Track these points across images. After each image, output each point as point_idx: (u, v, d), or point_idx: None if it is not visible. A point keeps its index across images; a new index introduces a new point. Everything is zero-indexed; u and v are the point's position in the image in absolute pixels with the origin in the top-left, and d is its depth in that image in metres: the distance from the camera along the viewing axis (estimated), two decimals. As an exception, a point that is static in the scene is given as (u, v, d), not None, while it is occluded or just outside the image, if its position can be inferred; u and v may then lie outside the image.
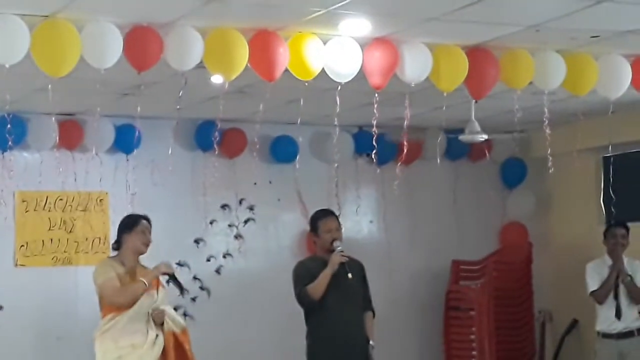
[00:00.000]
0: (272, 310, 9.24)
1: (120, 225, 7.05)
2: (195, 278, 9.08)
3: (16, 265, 8.55)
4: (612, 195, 9.00)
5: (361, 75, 6.34)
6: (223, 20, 5.89)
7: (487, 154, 9.28)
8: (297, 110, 7.12)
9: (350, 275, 7.10)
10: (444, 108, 7.07)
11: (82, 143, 8.59)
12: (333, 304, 7.11)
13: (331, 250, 7.15)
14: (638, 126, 8.57)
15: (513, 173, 10.17)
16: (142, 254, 6.96)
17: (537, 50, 6.61)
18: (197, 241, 9.12)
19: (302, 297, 7.16)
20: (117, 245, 7.00)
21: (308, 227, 9.41)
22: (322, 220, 7.29)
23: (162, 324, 6.91)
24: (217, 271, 9.19)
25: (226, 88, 6.26)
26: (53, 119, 7.84)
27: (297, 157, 9.33)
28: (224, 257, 9.25)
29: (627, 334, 8.31)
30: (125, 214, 7.23)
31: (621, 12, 5.96)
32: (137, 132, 8.39)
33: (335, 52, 6.20)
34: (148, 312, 6.88)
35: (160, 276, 7.00)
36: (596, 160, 9.74)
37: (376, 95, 6.50)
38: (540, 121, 7.08)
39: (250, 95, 7.61)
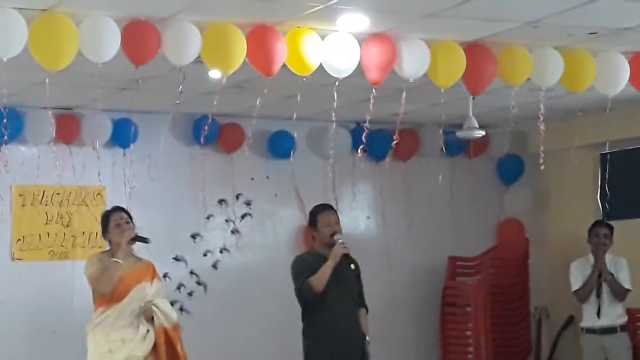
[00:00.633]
0: (269, 305, 9.24)
1: (100, 225, 7.12)
2: (192, 273, 9.09)
3: (13, 259, 8.54)
4: (609, 192, 9.01)
5: (359, 70, 6.34)
6: (221, 14, 5.89)
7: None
8: (295, 105, 7.12)
9: (353, 266, 7.13)
10: (442, 102, 7.07)
11: (80, 137, 8.58)
12: (332, 297, 7.10)
13: (331, 244, 7.14)
14: (635, 123, 8.58)
15: (510, 169, 10.17)
16: (124, 244, 6.92)
17: (535, 46, 6.61)
18: (194, 236, 9.12)
19: (303, 290, 7.13)
20: (108, 241, 7.07)
21: (305, 223, 9.45)
22: (321, 214, 7.29)
23: (152, 318, 6.91)
24: (214, 266, 9.19)
25: (224, 83, 6.26)
26: (50, 112, 7.84)
27: (295, 153, 9.33)
28: (221, 252, 9.24)
29: (609, 330, 8.41)
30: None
31: (619, 9, 5.96)
32: (134, 127, 8.39)
33: (333, 47, 6.21)
34: (139, 306, 6.88)
35: (130, 243, 6.94)
36: (593, 157, 9.74)
37: (374, 91, 6.50)
38: (538, 117, 7.08)
39: (248, 90, 7.61)
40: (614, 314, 8.44)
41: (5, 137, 7.02)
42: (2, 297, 8.44)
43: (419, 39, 6.38)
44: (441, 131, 9.04)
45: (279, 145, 9.30)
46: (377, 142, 9.15)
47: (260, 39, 6.02)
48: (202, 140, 8.37)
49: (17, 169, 8.44)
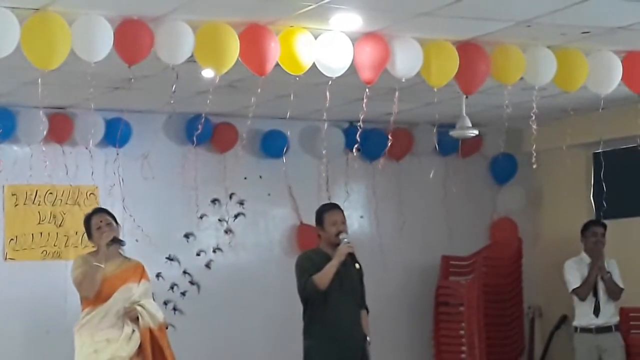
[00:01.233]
0: (262, 304, 9.24)
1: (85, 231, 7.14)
2: (185, 272, 9.08)
3: (5, 259, 8.53)
4: (602, 191, 9.01)
5: (352, 70, 6.34)
6: (214, 14, 5.88)
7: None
8: (288, 104, 7.11)
9: (357, 265, 7.13)
10: (435, 101, 7.07)
11: (72, 137, 8.57)
12: (335, 296, 7.12)
13: (336, 244, 7.16)
14: (628, 122, 8.56)
15: (503, 169, 10.17)
16: (103, 247, 6.91)
17: (528, 46, 6.62)
18: (187, 235, 9.11)
19: (307, 287, 7.14)
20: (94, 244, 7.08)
21: (298, 222, 9.47)
22: (327, 213, 7.31)
23: (137, 319, 6.90)
24: (207, 266, 9.18)
25: (217, 82, 6.25)
26: (43, 112, 7.83)
27: (288, 152, 9.33)
28: (214, 251, 9.23)
29: (605, 329, 8.42)
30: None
31: (612, 8, 5.97)
32: (127, 126, 8.37)
33: (326, 46, 6.21)
34: (124, 307, 6.88)
35: (109, 245, 6.93)
36: (587, 156, 9.75)
37: (367, 90, 6.49)
38: (531, 117, 7.08)
39: (241, 90, 7.60)
40: (609, 313, 8.47)
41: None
42: (-6, 297, 8.45)
43: (412, 38, 6.38)
44: (434, 130, 9.06)
45: (272, 145, 9.30)
46: (370, 142, 9.15)
47: (253, 38, 6.02)
48: (194, 139, 8.36)
49: (9, 169, 8.43)
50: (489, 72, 6.62)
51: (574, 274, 8.54)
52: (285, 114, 7.56)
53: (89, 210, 8.38)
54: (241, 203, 9.33)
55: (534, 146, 7.31)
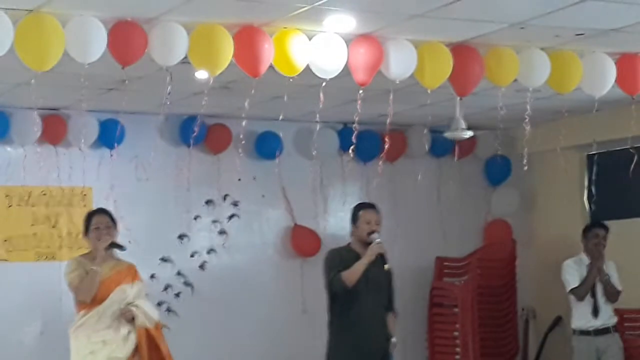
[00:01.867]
0: (256, 306, 9.24)
1: (83, 226, 7.13)
2: (179, 274, 9.07)
3: (-1, 260, 8.53)
4: (596, 193, 9.02)
5: (346, 71, 6.34)
6: (208, 15, 5.88)
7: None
8: (282, 106, 7.11)
9: (387, 266, 7.15)
10: (429, 103, 7.07)
11: (66, 138, 8.56)
12: (361, 295, 7.15)
13: (367, 243, 7.19)
14: (622, 124, 8.57)
15: (497, 170, 10.17)
16: (101, 250, 6.92)
17: (522, 47, 6.62)
18: (181, 237, 9.10)
19: (334, 282, 7.16)
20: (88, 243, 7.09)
21: (292, 223, 9.47)
22: (363, 210, 7.36)
23: (133, 319, 6.90)
24: (201, 267, 9.17)
25: (211, 84, 6.25)
26: (36, 113, 7.82)
27: (282, 154, 9.33)
28: (208, 253, 9.23)
29: (604, 331, 8.43)
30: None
31: (605, 10, 5.97)
32: (121, 127, 8.37)
33: (320, 48, 6.20)
34: (120, 308, 6.88)
35: (107, 249, 6.95)
36: (580, 158, 9.76)
37: (361, 91, 6.50)
38: (525, 118, 7.09)
39: (235, 91, 7.60)
40: (606, 314, 8.46)
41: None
42: (-12, 298, 8.43)
43: (406, 40, 6.38)
44: (428, 132, 9.07)
45: (266, 146, 9.29)
46: (364, 143, 9.15)
47: (247, 40, 6.01)
48: (191, 141, 8.36)
49: (3, 170, 8.43)
50: (482, 74, 6.62)
51: (573, 274, 8.53)
52: (278, 116, 7.56)
53: (82, 211, 8.40)
54: (235, 204, 9.33)
55: (528, 148, 7.32)
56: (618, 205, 9.43)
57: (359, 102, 6.55)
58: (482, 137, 9.75)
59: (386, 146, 7.40)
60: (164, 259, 8.97)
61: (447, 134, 8.12)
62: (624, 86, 7.03)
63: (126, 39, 5.83)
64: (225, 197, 9.28)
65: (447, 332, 9.67)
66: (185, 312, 9.00)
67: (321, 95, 6.46)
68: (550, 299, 9.90)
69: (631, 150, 7.75)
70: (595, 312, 8.42)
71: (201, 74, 6.43)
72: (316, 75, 6.31)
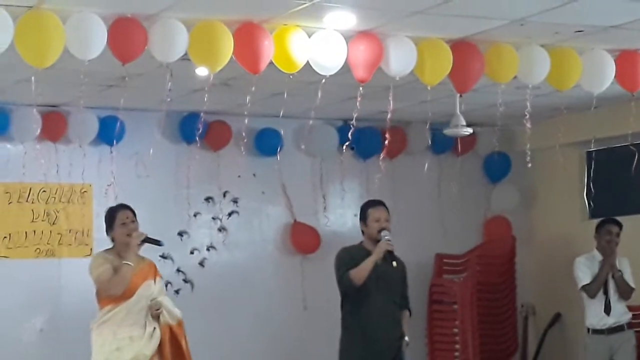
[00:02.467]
0: (256, 302, 9.24)
1: (105, 222, 7.06)
2: (178, 270, 9.07)
3: (-1, 257, 8.53)
4: (595, 189, 9.01)
5: (346, 68, 6.34)
6: (208, 12, 5.88)
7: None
8: (282, 103, 7.11)
9: (395, 263, 7.14)
10: (429, 100, 7.07)
11: (66, 135, 8.56)
12: (371, 293, 7.14)
13: (377, 240, 7.17)
14: (621, 121, 8.57)
15: (497, 167, 10.17)
16: (130, 244, 6.89)
17: (522, 44, 6.62)
18: (180, 234, 9.10)
19: (343, 281, 7.17)
20: (112, 238, 7.01)
21: (292, 220, 9.47)
22: (372, 209, 7.33)
23: (159, 316, 6.91)
24: (201, 264, 9.17)
25: (211, 80, 6.25)
26: (36, 110, 7.82)
27: (282, 150, 9.33)
28: (208, 249, 9.23)
29: (617, 329, 8.34)
30: (106, 208, 7.19)
31: (605, 7, 5.98)
32: (121, 124, 8.37)
33: (320, 45, 6.20)
34: (147, 304, 6.88)
35: (140, 245, 6.93)
36: (580, 154, 9.76)
37: (361, 88, 6.50)
38: (525, 115, 7.09)
39: (235, 88, 7.60)
40: (619, 312, 8.37)
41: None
42: (-13, 295, 8.44)
43: (406, 36, 6.38)
44: (428, 129, 9.06)
45: (266, 143, 9.29)
46: (364, 140, 9.16)
47: (247, 37, 6.02)
48: (197, 138, 8.34)
49: (3, 167, 8.43)
50: (482, 71, 6.62)
51: (585, 270, 8.47)
52: (278, 112, 7.56)
53: (82, 208, 8.41)
54: (235, 201, 9.33)
55: (528, 145, 7.32)
56: (617, 202, 9.43)
57: (359, 99, 6.55)
58: (482, 134, 9.75)
59: (387, 143, 7.40)
60: (163, 256, 8.96)
61: (447, 131, 8.13)
62: (624, 83, 7.04)
63: (126, 35, 5.84)
64: (225, 194, 9.29)
65: (446, 329, 9.68)
66: (184, 309, 8.91)
67: (319, 92, 6.47)
68: (550, 296, 9.92)
69: (631, 147, 7.75)
70: (607, 309, 8.35)
71: (201, 71, 6.43)
72: (316, 72, 6.31)
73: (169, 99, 6.99)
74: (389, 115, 6.88)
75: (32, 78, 5.90)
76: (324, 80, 6.37)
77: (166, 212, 9.04)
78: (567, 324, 9.79)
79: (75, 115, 8.46)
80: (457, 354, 9.55)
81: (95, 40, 5.74)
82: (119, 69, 6.00)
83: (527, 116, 7.02)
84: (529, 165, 7.54)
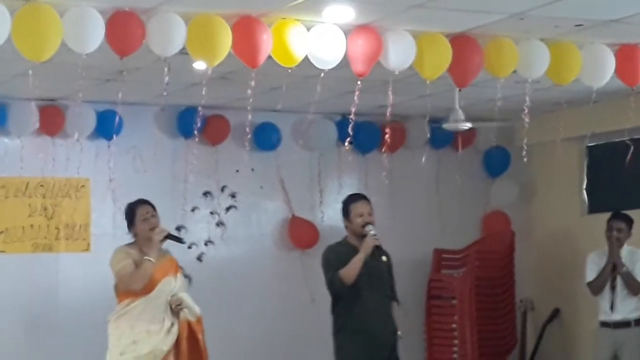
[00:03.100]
0: (254, 297, 9.23)
1: (125, 218, 7.10)
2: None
3: (-4, 251, 8.51)
4: (595, 184, 9.00)
5: (345, 62, 6.32)
6: (206, 5, 5.86)
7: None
8: (280, 97, 7.09)
9: (384, 258, 7.11)
10: (428, 94, 7.05)
11: (63, 129, 8.54)
12: (363, 290, 7.09)
13: (362, 235, 7.12)
14: (621, 115, 8.56)
15: (496, 162, 10.16)
16: (152, 239, 6.92)
17: (521, 38, 6.60)
18: (178, 228, 9.07)
19: (333, 283, 7.11)
20: (134, 234, 7.04)
21: (290, 215, 9.46)
22: (353, 204, 7.27)
23: (179, 312, 6.92)
24: (199, 258, 9.16)
25: (209, 74, 6.23)
26: (34, 104, 7.80)
27: (280, 145, 9.31)
28: (206, 244, 9.22)
29: (623, 324, 8.27)
30: (126, 204, 7.24)
31: (605, 1, 5.96)
32: (118, 118, 8.34)
33: (319, 39, 6.18)
34: (166, 300, 6.88)
35: (162, 241, 6.99)
36: (579, 149, 9.74)
37: (359, 82, 6.47)
38: (524, 110, 7.07)
39: (233, 82, 7.58)
40: (627, 308, 8.27)
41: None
42: (-16, 290, 8.42)
43: (405, 30, 6.36)
44: (427, 123, 9.05)
45: (264, 137, 9.27)
46: (363, 135, 9.14)
47: (245, 30, 5.99)
48: (195, 133, 8.31)
49: (0, 161, 8.39)
50: (482, 65, 6.60)
51: (592, 267, 8.42)
52: (277, 107, 7.54)
53: (79, 202, 8.40)
54: (233, 196, 9.32)
55: (526, 140, 7.30)
56: (616, 196, 9.41)
57: (357, 93, 6.53)
58: (481, 129, 9.73)
59: (386, 137, 7.37)
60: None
61: (446, 126, 8.11)
62: (623, 77, 7.01)
63: (124, 29, 5.82)
64: (223, 188, 9.27)
65: (445, 324, 9.67)
66: (182, 304, 8.98)
67: (318, 86, 6.45)
68: (549, 291, 9.91)
69: (627, 141, 7.72)
70: (612, 306, 8.30)
71: (199, 65, 6.41)
72: (315, 66, 6.29)
73: (166, 93, 6.96)
74: (388, 110, 6.86)
75: (30, 72, 5.88)
76: (322, 75, 6.34)
77: (164, 207, 8.91)
78: (566, 319, 9.78)
79: (73, 109, 8.44)
80: (455, 349, 9.54)
81: (92, 34, 5.72)
82: (117, 63, 5.98)
83: (526, 110, 6.99)
84: (525, 159, 7.52)
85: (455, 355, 9.55)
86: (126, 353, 6.81)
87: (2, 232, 8.51)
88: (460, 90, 7.06)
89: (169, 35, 5.88)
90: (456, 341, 9.53)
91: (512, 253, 9.97)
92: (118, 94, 6.76)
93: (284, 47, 6.12)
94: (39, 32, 5.59)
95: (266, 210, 9.48)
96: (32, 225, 8.60)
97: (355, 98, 6.56)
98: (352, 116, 6.85)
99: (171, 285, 6.97)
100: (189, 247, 9.09)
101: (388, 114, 6.92)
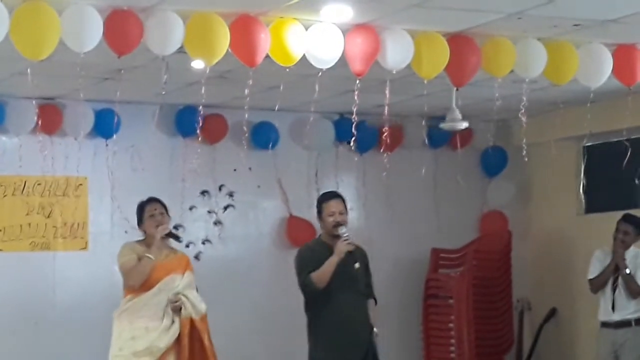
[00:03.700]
0: (251, 296, 9.23)
1: (136, 216, 7.17)
2: (174, 264, 9.05)
3: (-6, 249, 8.51)
4: (592, 184, 9.00)
5: (342, 61, 6.32)
6: (204, 4, 5.87)
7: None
8: (278, 96, 7.09)
9: (357, 265, 7.02)
10: (426, 93, 7.06)
11: (61, 127, 8.54)
12: (336, 291, 7.03)
13: (335, 235, 7.05)
14: (618, 115, 8.57)
15: (494, 161, 10.16)
16: (158, 238, 6.97)
17: (519, 38, 6.61)
18: (176, 227, 8.99)
19: (306, 286, 7.06)
20: (143, 231, 7.11)
21: (287, 214, 9.46)
22: (325, 203, 7.21)
23: (180, 310, 6.93)
24: (196, 257, 9.14)
25: (207, 73, 6.23)
26: (32, 102, 7.79)
27: (277, 144, 9.31)
28: (203, 243, 9.22)
29: (623, 324, 8.26)
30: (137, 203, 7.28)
31: (603, 0, 5.97)
32: (116, 117, 8.35)
33: (317, 38, 6.19)
34: (168, 297, 6.90)
35: (163, 239, 7.04)
36: (576, 149, 9.75)
37: (357, 82, 6.48)
38: (521, 109, 7.08)
39: (231, 81, 7.58)
40: (628, 309, 8.24)
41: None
42: (-18, 288, 8.42)
43: (403, 29, 6.37)
44: (424, 123, 9.06)
45: (262, 137, 9.27)
46: (360, 134, 9.11)
47: (243, 29, 6.00)
48: (196, 132, 8.28)
49: (-2, 159, 8.41)
50: (479, 64, 6.61)
51: (595, 264, 8.42)
52: (274, 106, 7.54)
53: (78, 201, 8.39)
54: (231, 195, 9.32)
55: (524, 139, 7.31)
56: (613, 196, 9.42)
57: (357, 92, 6.53)
58: (479, 128, 9.73)
59: (384, 137, 7.37)
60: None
61: (443, 125, 8.11)
62: (621, 77, 7.02)
63: (122, 28, 5.82)
64: (220, 187, 9.27)
65: (442, 323, 9.67)
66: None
67: (317, 85, 6.45)
68: (546, 291, 9.92)
69: (624, 142, 7.73)
70: (613, 306, 8.29)
71: (197, 64, 6.41)
72: (313, 65, 6.29)
73: (163, 92, 6.96)
74: (385, 109, 6.87)
75: (28, 70, 5.88)
76: (320, 74, 6.35)
77: (162, 206, 9.02)
78: (563, 319, 9.79)
79: (71, 108, 8.44)
80: (452, 348, 9.54)
81: (91, 33, 5.72)
82: (115, 62, 5.99)
83: (523, 110, 7.00)
84: (526, 159, 7.52)
85: (452, 355, 9.56)
86: (124, 349, 6.86)
87: (0, 230, 8.51)
88: (457, 89, 7.06)
89: (167, 34, 5.88)
90: (453, 340, 9.53)
91: (510, 253, 9.97)
92: (116, 92, 6.78)
93: (282, 46, 6.12)
94: (37, 30, 5.59)
95: (264, 209, 9.48)
96: (29, 224, 8.60)
97: (356, 97, 6.57)
98: (354, 116, 6.84)
99: (175, 283, 6.99)
100: (187, 246, 9.10)
101: (386, 114, 6.92)
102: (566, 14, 6.19)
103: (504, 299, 9.96)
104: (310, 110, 7.73)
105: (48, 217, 8.65)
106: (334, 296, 7.03)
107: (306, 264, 7.10)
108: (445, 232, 9.99)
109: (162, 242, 7.04)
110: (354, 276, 7.11)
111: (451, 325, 9.57)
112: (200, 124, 8.19)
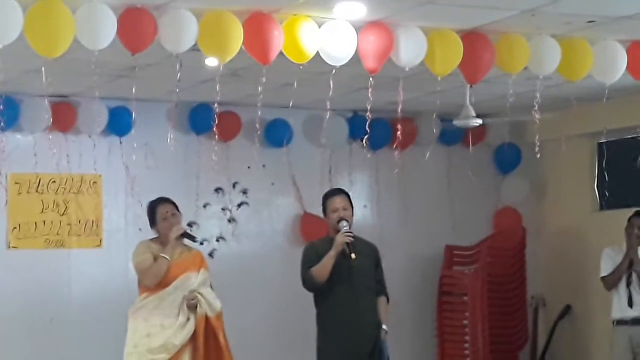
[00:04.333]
0: (265, 293, 9.24)
1: (147, 216, 7.24)
2: (188, 261, 9.07)
3: (8, 247, 8.53)
4: (606, 181, 8.98)
5: (356, 59, 6.32)
6: (217, 2, 5.87)
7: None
8: (292, 93, 7.09)
9: (353, 255, 7.01)
10: (439, 90, 7.04)
11: (76, 125, 8.57)
12: (340, 286, 7.05)
13: (339, 231, 7.08)
14: (633, 112, 8.58)
15: (507, 158, 10.14)
16: (172, 240, 7.02)
17: (533, 35, 6.59)
18: (190, 224, 9.06)
19: (306, 281, 7.12)
20: (156, 231, 7.17)
21: (301, 211, 9.47)
22: (329, 199, 7.25)
23: (196, 307, 6.97)
24: (211, 255, 9.16)
25: (220, 71, 6.24)
26: (46, 100, 7.81)
27: (291, 141, 9.31)
28: (217, 240, 9.23)
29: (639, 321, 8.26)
30: (148, 202, 7.37)
31: (617, -3, 5.96)
32: (130, 115, 8.36)
33: (330, 35, 6.19)
34: (183, 295, 6.92)
35: (178, 239, 7.08)
36: (591, 146, 9.73)
37: (370, 79, 6.48)
38: (534, 106, 7.06)
39: (245, 78, 7.59)
40: None
41: (2, 124, 7.01)
42: (-3, 285, 8.45)
43: (416, 27, 6.36)
44: (438, 120, 9.04)
45: (276, 134, 9.28)
46: (373, 131, 9.11)
47: (256, 27, 6.00)
48: (211, 130, 8.27)
49: (13, 157, 8.41)
50: (493, 61, 6.60)
51: (607, 261, 8.40)
52: (288, 103, 7.54)
53: (92, 198, 8.42)
54: (244, 192, 9.33)
55: (538, 136, 7.29)
56: (628, 193, 9.40)
57: (370, 89, 6.53)
58: (492, 125, 9.72)
59: (397, 134, 7.36)
60: (173, 247, 8.96)
61: (457, 122, 8.10)
62: (635, 73, 6.99)
63: (136, 25, 5.83)
64: (234, 184, 9.29)
65: (456, 320, 9.67)
66: (194, 300, 8.99)
67: (331, 82, 6.45)
68: (560, 288, 9.90)
69: (639, 138, 7.71)
70: (630, 302, 8.26)
71: (211, 61, 6.42)
72: (326, 63, 6.29)
73: (178, 90, 6.97)
74: (399, 107, 6.86)
75: (42, 68, 5.90)
76: (334, 71, 6.35)
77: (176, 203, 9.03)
78: (578, 316, 9.78)
79: (85, 106, 8.46)
80: (466, 345, 9.54)
81: (104, 31, 5.73)
82: (129, 59, 6.00)
83: (536, 107, 6.99)
84: (538, 155, 7.50)
85: (466, 352, 9.55)
86: (139, 346, 6.90)
87: (15, 228, 8.54)
88: (471, 86, 7.05)
89: (180, 31, 5.89)
90: (467, 337, 9.53)
91: (524, 249, 9.96)
92: (130, 90, 6.78)
93: (295, 43, 6.12)
94: (52, 28, 5.61)
95: (277, 206, 9.49)
96: (44, 222, 8.63)
97: (369, 95, 6.57)
98: (368, 113, 6.84)
99: (190, 281, 7.04)
100: (201, 244, 9.12)
101: (399, 111, 6.92)
102: (580, 11, 6.18)
103: (518, 296, 9.95)
104: (324, 107, 7.72)
105: (63, 214, 8.67)
106: (337, 290, 7.07)
107: (308, 260, 7.16)
108: (459, 229, 9.98)
109: (176, 240, 7.06)
110: (358, 270, 7.09)
111: (465, 322, 9.57)
112: (216, 122, 8.20)
